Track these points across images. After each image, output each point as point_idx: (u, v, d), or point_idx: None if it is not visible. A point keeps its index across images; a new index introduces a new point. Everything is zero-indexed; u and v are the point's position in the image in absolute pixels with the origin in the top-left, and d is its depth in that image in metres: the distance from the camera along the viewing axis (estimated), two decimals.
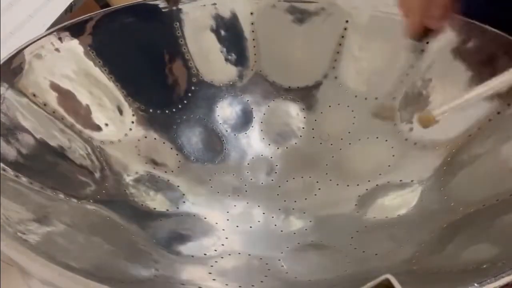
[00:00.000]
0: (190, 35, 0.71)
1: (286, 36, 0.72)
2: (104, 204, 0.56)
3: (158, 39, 0.70)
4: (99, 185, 0.58)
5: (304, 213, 0.64)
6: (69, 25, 0.64)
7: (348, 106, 0.71)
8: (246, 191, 0.69)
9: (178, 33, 0.71)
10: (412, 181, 0.61)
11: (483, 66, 0.58)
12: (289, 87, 0.74)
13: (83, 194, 0.55)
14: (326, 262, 0.55)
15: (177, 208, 0.63)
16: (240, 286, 0.51)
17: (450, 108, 0.49)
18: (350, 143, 0.70)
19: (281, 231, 0.62)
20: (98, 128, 0.64)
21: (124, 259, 0.49)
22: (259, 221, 0.63)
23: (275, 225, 0.62)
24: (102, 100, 0.65)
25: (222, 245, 0.58)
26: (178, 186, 0.66)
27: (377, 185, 0.64)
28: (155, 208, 0.61)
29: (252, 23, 0.73)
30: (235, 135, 0.74)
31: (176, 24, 0.71)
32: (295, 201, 0.66)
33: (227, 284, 0.52)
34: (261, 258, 0.56)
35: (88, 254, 0.46)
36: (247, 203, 0.66)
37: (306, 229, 0.61)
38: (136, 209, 0.59)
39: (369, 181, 0.65)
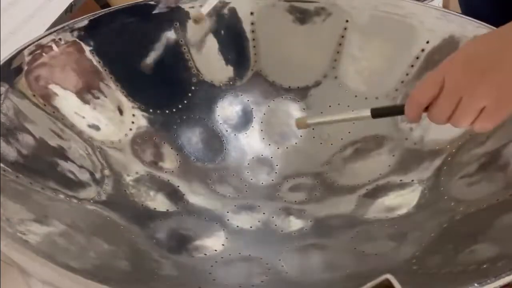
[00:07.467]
0: (190, 35, 0.71)
1: (286, 36, 0.72)
2: (104, 204, 0.56)
3: (158, 39, 0.70)
4: (99, 185, 0.58)
5: (304, 213, 0.64)
6: (69, 25, 0.64)
7: (348, 106, 0.71)
8: (246, 191, 0.69)
9: (178, 33, 0.71)
10: (412, 181, 0.61)
11: None
12: (289, 87, 0.74)
13: (83, 194, 0.55)
14: (326, 262, 0.55)
15: (177, 208, 0.62)
16: (240, 286, 0.50)
17: (324, 121, 0.54)
18: (350, 143, 0.70)
19: (281, 231, 0.62)
20: (98, 128, 0.64)
21: (124, 259, 0.49)
22: (259, 221, 0.63)
23: (275, 225, 0.62)
24: (102, 100, 0.65)
25: (222, 245, 0.58)
26: (178, 186, 0.65)
27: (377, 185, 0.64)
28: (155, 208, 0.61)
29: (252, 23, 0.73)
30: (235, 135, 0.74)
31: (176, 24, 0.71)
32: (295, 201, 0.66)
33: (227, 284, 0.52)
34: (261, 258, 0.56)
35: (88, 254, 0.46)
36: (247, 203, 0.66)
37: (306, 229, 0.61)
38: (136, 209, 0.59)
39: (369, 181, 0.65)
